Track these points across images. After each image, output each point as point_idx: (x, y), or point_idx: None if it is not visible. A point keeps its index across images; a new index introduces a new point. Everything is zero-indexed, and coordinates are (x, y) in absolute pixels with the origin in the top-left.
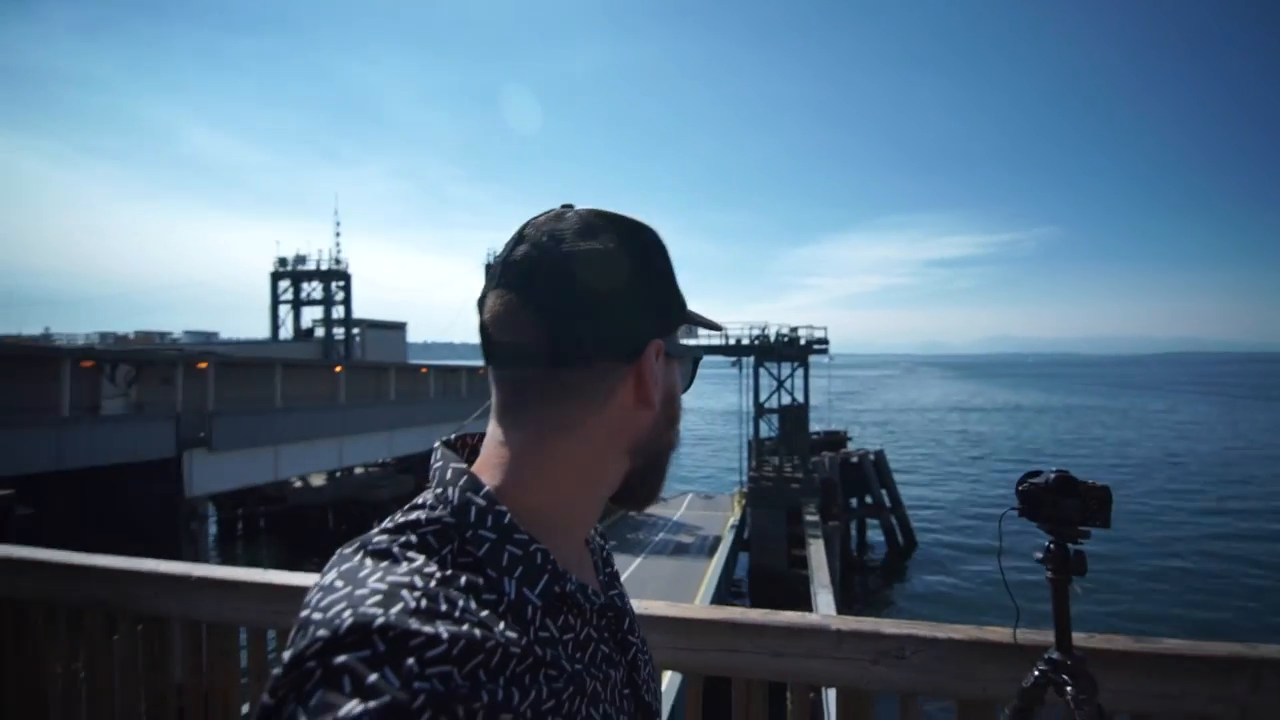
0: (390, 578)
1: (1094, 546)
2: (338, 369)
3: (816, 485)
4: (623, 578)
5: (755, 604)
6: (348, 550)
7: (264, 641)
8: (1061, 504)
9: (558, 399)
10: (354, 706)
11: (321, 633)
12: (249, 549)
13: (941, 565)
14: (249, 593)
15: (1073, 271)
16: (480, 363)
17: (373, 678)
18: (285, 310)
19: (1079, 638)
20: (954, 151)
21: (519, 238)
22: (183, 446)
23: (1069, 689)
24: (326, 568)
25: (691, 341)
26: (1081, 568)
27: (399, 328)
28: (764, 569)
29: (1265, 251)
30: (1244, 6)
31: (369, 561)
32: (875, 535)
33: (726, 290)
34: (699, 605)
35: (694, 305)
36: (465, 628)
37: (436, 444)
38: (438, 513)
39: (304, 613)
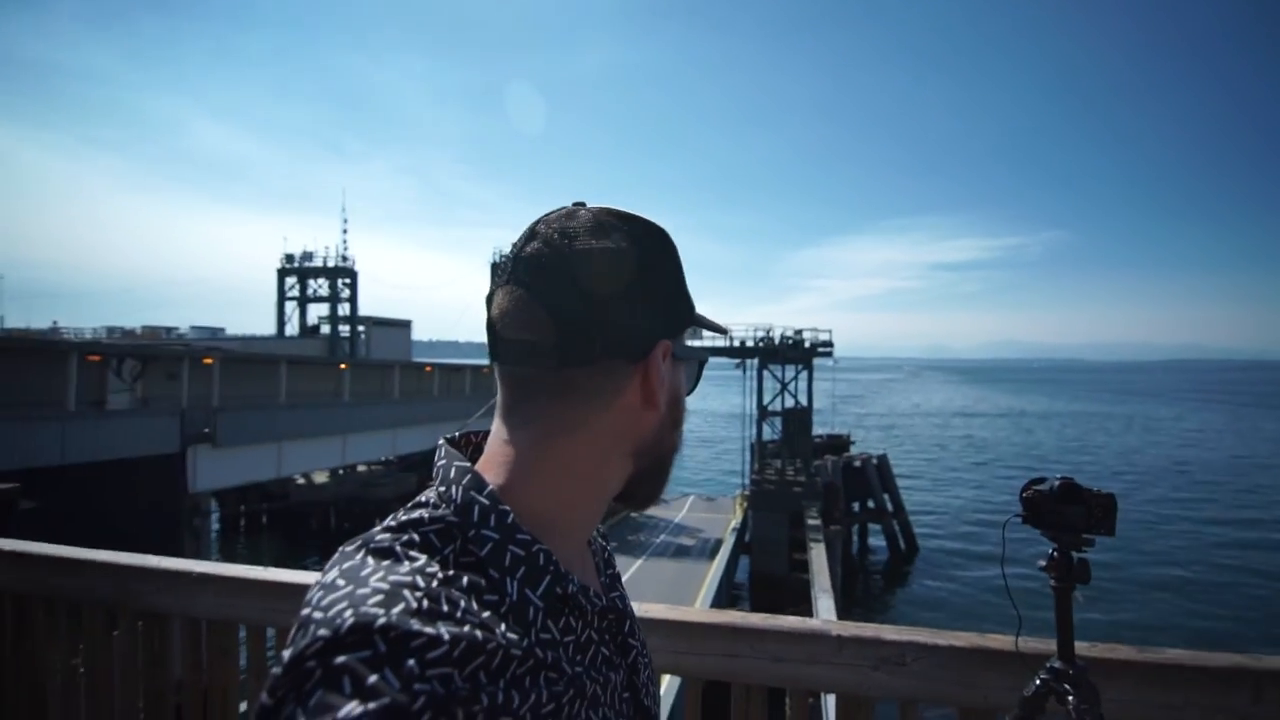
0: (392, 577)
1: (1098, 555)
2: (343, 366)
3: (819, 489)
4: (623, 580)
5: (756, 608)
6: (350, 548)
7: (263, 639)
8: (1066, 511)
9: (564, 398)
10: (353, 708)
11: (322, 632)
12: (251, 545)
13: (944, 571)
14: (249, 590)
15: (1078, 277)
16: (485, 361)
17: (373, 679)
18: (291, 307)
19: (1081, 646)
20: (960, 154)
21: (530, 234)
22: (187, 442)
23: (1071, 698)
24: (328, 566)
25: (696, 343)
26: (1085, 576)
27: (404, 325)
28: (765, 573)
29: (1268, 258)
30: (1247, 10)
31: (371, 560)
32: (877, 540)
33: (731, 291)
34: (699, 609)
35: (700, 306)
36: (467, 629)
37: (440, 441)
38: (441, 511)
39: (305, 611)
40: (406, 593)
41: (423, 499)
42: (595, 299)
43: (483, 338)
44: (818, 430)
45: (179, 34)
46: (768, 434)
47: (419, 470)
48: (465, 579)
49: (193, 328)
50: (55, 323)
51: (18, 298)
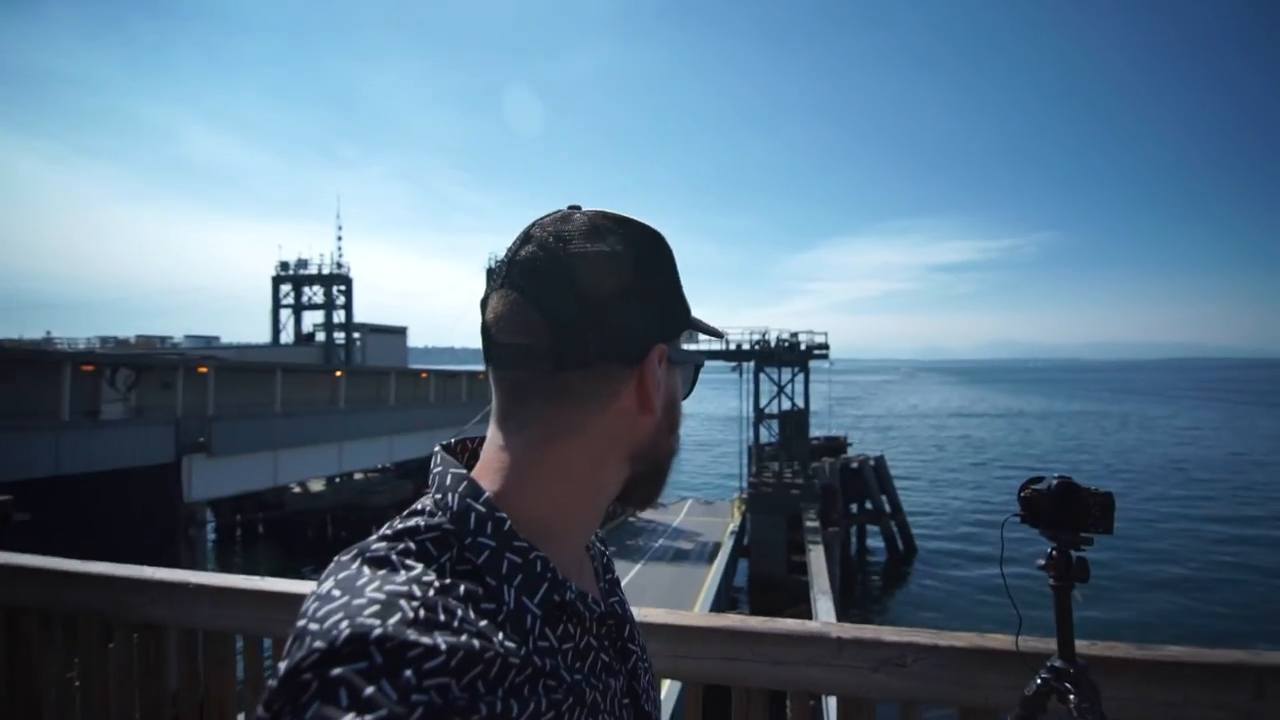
0: (388, 587)
1: (1096, 553)
2: (338, 374)
3: (817, 491)
4: (622, 585)
5: (755, 611)
6: (345, 558)
7: (260, 650)
8: (1064, 510)
9: (559, 402)
10: None
11: (318, 644)
12: (247, 555)
13: (942, 572)
14: (245, 600)
15: (1074, 277)
16: (480, 367)
17: (369, 690)
18: (286, 314)
19: (1081, 645)
20: (956, 156)
21: (525, 238)
22: (182, 451)
23: (1072, 697)
24: (323, 575)
25: (692, 346)
26: (1084, 574)
27: (400, 332)
28: (764, 575)
29: (1265, 257)
30: (1245, 9)
31: (367, 570)
32: (875, 541)
33: (727, 294)
34: (698, 613)
35: (695, 310)
36: (464, 638)
37: (436, 448)
38: (437, 519)
39: (300, 623)
40: (403, 602)
41: (419, 507)
42: (590, 302)
43: (479, 344)
44: (815, 432)
45: (173, 40)
46: (765, 437)
47: (416, 477)
48: (462, 587)
49: (187, 337)
50: (49, 333)
51: (12, 309)
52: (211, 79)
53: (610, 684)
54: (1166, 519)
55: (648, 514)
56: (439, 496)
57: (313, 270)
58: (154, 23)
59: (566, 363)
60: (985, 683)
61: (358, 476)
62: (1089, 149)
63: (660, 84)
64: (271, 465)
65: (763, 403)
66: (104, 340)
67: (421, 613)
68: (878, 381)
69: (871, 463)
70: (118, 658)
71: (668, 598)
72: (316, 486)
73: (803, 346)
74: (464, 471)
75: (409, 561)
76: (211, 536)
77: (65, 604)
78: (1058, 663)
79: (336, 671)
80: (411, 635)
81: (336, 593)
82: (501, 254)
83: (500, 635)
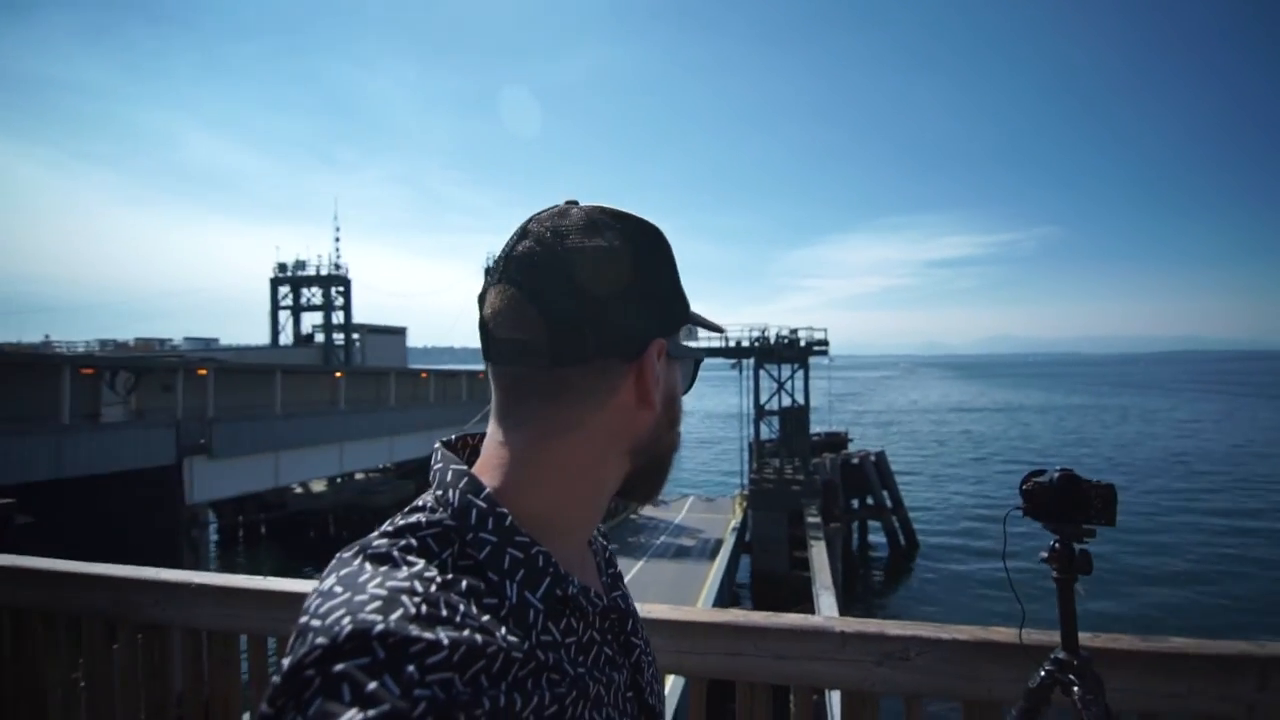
0: (390, 583)
1: (1099, 546)
2: (338, 374)
3: (818, 487)
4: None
5: (758, 606)
6: (347, 554)
7: (264, 649)
8: (1066, 503)
9: (558, 398)
10: (353, 715)
11: (320, 640)
12: (250, 556)
13: (944, 566)
14: (249, 600)
15: (1073, 271)
16: (480, 367)
17: (372, 686)
18: (285, 316)
19: (1085, 637)
20: (953, 151)
21: (522, 233)
22: (183, 453)
23: (1075, 689)
24: (325, 572)
25: (691, 343)
26: (1087, 567)
27: (399, 332)
28: (766, 571)
29: (1264, 250)
30: (1244, 8)
31: (368, 566)
32: (877, 536)
33: (726, 292)
34: (701, 609)
35: (694, 307)
36: (466, 633)
37: (437, 445)
38: (438, 515)
39: (303, 619)
40: (405, 598)
41: (420, 503)
42: (588, 297)
43: (478, 343)
44: (815, 428)
45: (171, 46)
46: (765, 433)
47: (417, 477)
48: (464, 583)
49: (187, 339)
50: (47, 336)
51: (11, 313)
52: (210, 84)
53: (614, 678)
54: (1168, 511)
55: (649, 511)
56: (440, 493)
57: (311, 272)
58: (152, 29)
59: (564, 358)
60: (989, 675)
61: (359, 477)
62: (1087, 144)
63: (656, 84)
64: (273, 466)
65: (763, 399)
66: (103, 343)
67: (424, 608)
68: (877, 377)
69: (872, 458)
70: (122, 658)
71: (670, 594)
72: (318, 487)
73: (802, 343)
74: (464, 468)
75: (411, 557)
76: (214, 538)
77: (69, 605)
78: (1061, 655)
79: (339, 667)
80: (414, 630)
81: (339, 589)
82: (499, 252)
83: (503, 630)
